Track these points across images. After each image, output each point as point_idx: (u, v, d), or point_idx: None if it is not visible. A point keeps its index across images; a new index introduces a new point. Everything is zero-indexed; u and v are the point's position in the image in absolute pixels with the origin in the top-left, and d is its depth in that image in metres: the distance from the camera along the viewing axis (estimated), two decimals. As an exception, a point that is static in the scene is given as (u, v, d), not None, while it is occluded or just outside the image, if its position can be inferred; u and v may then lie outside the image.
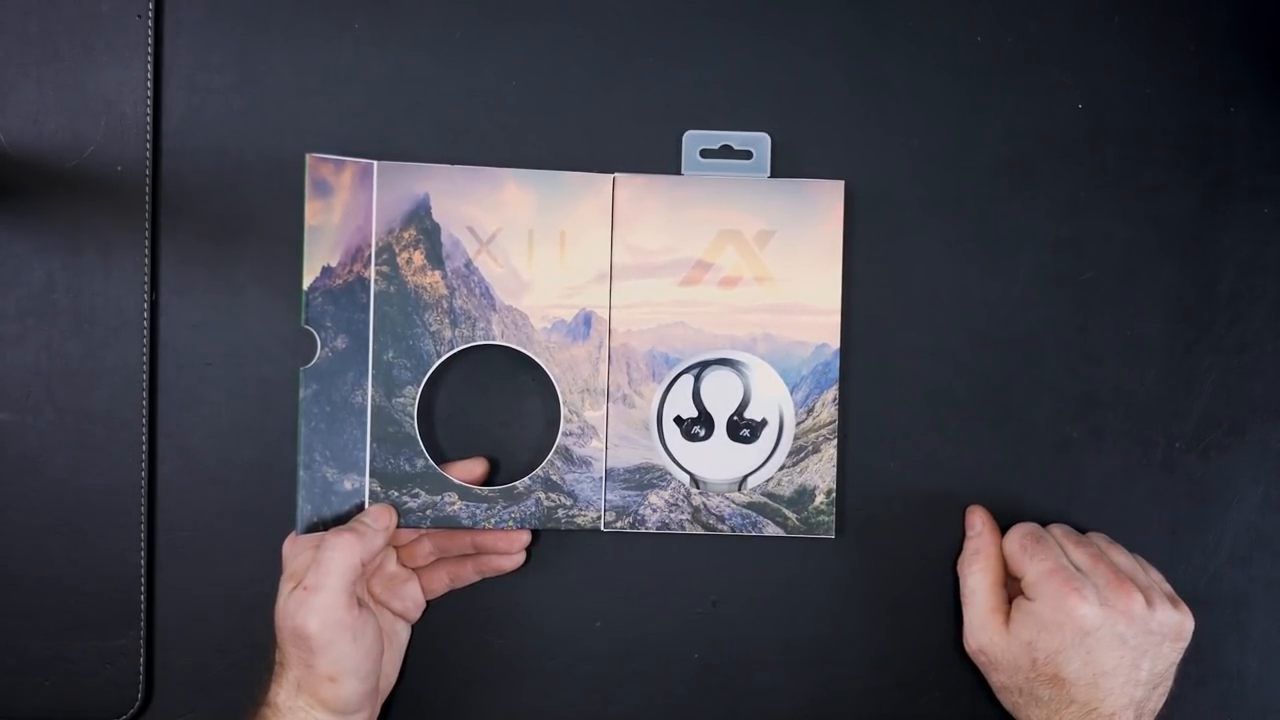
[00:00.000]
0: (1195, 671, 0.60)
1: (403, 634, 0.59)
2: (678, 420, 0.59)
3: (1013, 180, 0.60)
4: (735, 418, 0.59)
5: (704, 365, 0.59)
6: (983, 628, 0.57)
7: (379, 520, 0.56)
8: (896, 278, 0.60)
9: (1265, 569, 0.60)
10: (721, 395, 0.59)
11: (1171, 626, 0.55)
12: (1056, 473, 0.60)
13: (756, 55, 0.60)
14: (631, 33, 0.60)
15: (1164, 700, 0.56)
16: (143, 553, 0.60)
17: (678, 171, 0.59)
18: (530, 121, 0.60)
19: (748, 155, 0.59)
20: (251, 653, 0.58)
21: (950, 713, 0.60)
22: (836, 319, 0.59)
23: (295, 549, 0.56)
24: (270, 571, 0.59)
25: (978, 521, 0.59)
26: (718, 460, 0.59)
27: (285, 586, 0.54)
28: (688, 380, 0.59)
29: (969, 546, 0.59)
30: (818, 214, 0.59)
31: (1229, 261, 0.60)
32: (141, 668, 0.60)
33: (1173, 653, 0.55)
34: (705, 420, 0.59)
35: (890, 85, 0.60)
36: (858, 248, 0.60)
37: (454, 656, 0.60)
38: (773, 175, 0.59)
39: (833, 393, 0.59)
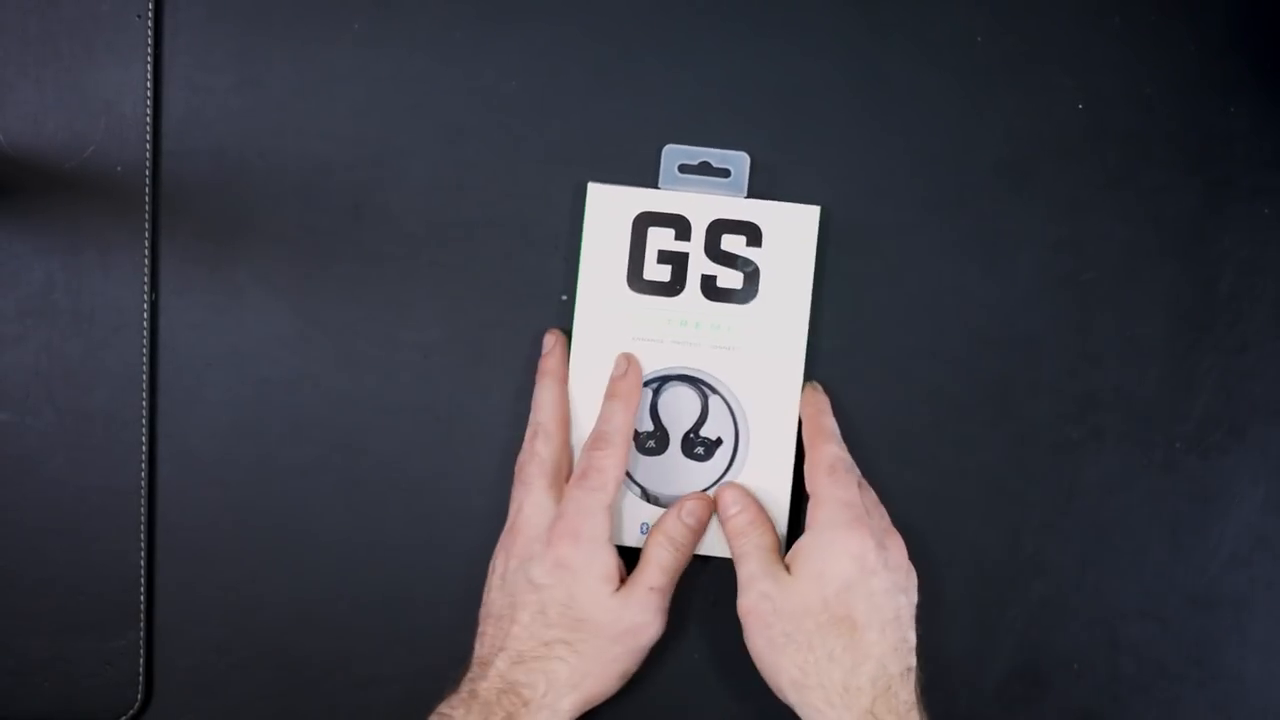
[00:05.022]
0: (1195, 672, 0.60)
1: None
2: (634, 433, 0.59)
3: (1013, 180, 0.60)
4: (691, 435, 0.59)
5: (663, 380, 0.59)
6: (765, 574, 0.54)
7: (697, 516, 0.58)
8: (895, 278, 0.60)
9: (1266, 570, 0.60)
10: (678, 411, 0.59)
11: (909, 570, 0.56)
12: (1056, 473, 0.60)
13: (753, 54, 0.60)
14: (631, 37, 0.60)
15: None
16: (143, 553, 0.60)
17: (655, 183, 0.59)
18: (532, 123, 0.60)
19: (726, 173, 0.59)
20: (252, 653, 0.58)
21: (950, 712, 0.60)
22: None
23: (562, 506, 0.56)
24: (270, 571, 0.59)
25: (736, 499, 0.57)
26: (671, 476, 0.59)
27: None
28: (646, 394, 0.59)
29: (738, 522, 0.57)
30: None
31: (1229, 261, 0.60)
32: (141, 668, 0.60)
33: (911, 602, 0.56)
34: (660, 435, 0.59)
35: (890, 86, 0.60)
36: (857, 248, 0.60)
37: (450, 660, 0.60)
38: (771, 174, 0.59)
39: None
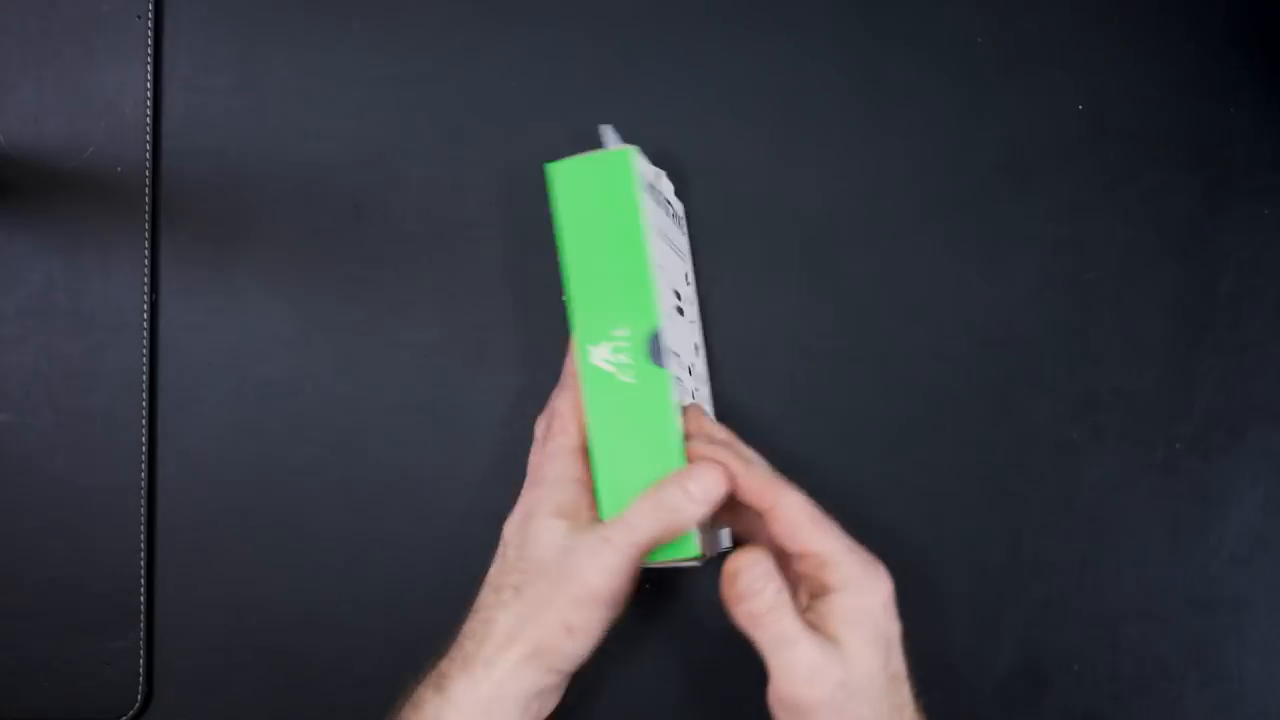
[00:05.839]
0: (1195, 673, 0.60)
1: None
2: None
3: (1013, 181, 0.60)
4: None
5: None
6: (828, 657, 0.46)
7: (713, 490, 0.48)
8: (896, 278, 0.60)
9: (1266, 570, 0.60)
10: None
11: None
12: (1056, 473, 0.60)
13: (753, 55, 0.60)
14: (632, 38, 0.60)
15: None
16: (143, 553, 0.60)
17: None
18: (532, 123, 0.60)
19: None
20: (251, 653, 0.58)
21: (951, 712, 0.60)
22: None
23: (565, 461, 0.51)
24: (270, 571, 0.59)
25: (765, 571, 0.47)
26: None
27: (551, 515, 0.49)
28: None
29: (767, 598, 0.46)
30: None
31: (1229, 262, 0.60)
32: (141, 668, 0.60)
33: None
34: None
35: (889, 86, 0.60)
36: (857, 249, 0.60)
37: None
38: (771, 175, 0.59)
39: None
